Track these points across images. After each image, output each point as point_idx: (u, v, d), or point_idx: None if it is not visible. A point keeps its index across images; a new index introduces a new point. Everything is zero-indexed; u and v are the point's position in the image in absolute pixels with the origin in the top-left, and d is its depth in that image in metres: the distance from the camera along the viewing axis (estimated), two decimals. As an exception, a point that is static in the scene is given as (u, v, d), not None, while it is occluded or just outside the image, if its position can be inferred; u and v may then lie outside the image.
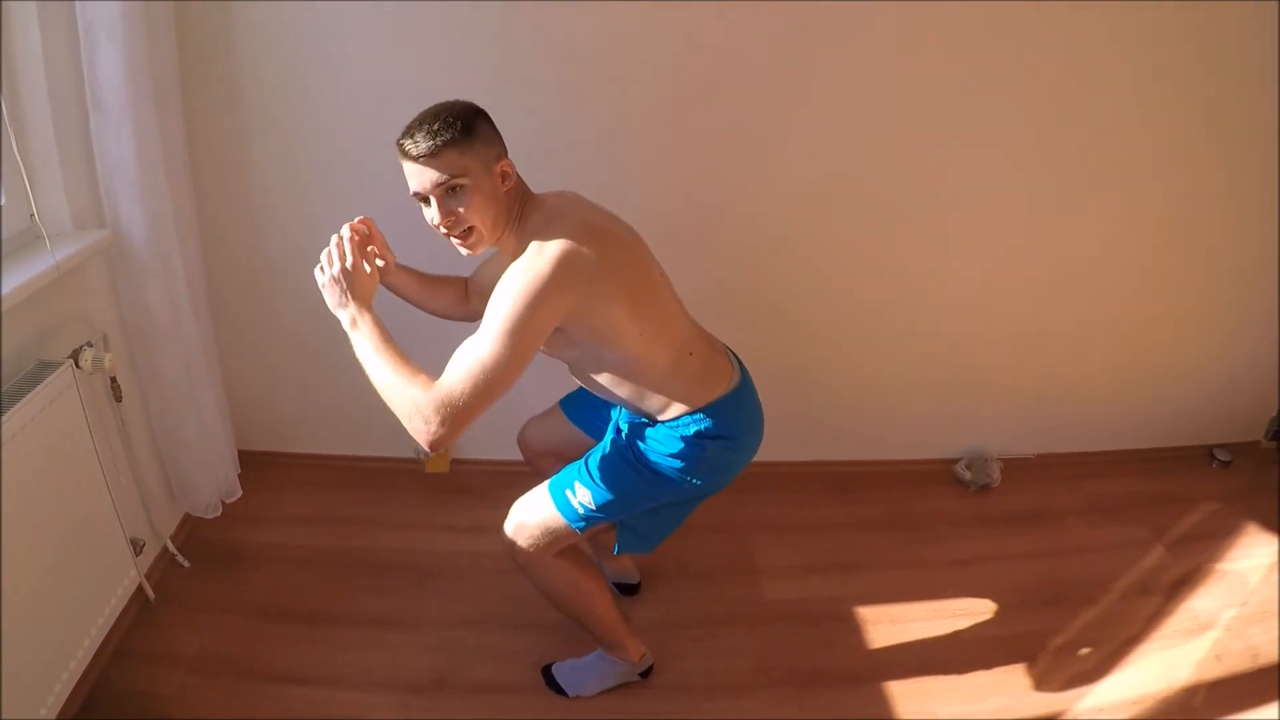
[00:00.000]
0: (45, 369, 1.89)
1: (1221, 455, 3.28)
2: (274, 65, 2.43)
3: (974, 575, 2.67)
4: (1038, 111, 2.63)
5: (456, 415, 1.54)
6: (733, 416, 1.87)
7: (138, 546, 2.29)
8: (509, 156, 1.69)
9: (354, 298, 1.70)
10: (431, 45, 2.41)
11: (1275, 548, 2.80)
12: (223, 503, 2.76)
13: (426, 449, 1.59)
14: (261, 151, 2.55)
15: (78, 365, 2.01)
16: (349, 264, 1.70)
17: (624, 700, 2.20)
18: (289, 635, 2.35)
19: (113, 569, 2.18)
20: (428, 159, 1.59)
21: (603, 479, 1.86)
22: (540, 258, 1.57)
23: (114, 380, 2.22)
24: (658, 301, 1.78)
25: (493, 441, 2.99)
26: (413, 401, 1.55)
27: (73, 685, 1.96)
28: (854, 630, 2.46)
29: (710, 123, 2.56)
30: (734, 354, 2.01)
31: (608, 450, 1.91)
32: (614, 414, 2.06)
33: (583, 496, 1.86)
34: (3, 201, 1.95)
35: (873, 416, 3.17)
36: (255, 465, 2.96)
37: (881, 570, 2.70)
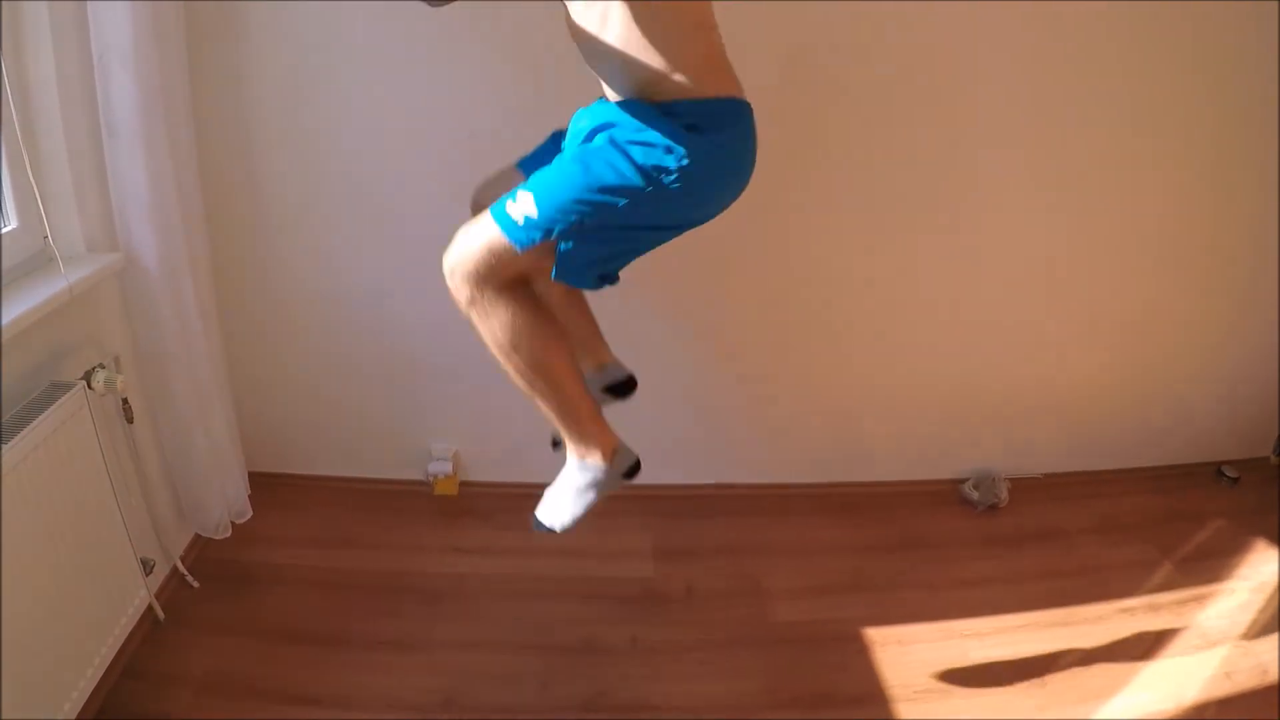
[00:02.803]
0: (58, 390, 1.91)
1: (1229, 472, 3.27)
2: (285, 89, 2.46)
3: (982, 596, 2.66)
4: (1044, 133, 2.65)
5: None
6: (734, 124, 1.62)
7: (148, 566, 2.30)
8: None
9: None
10: (441, 68, 2.44)
11: (1284, 565, 2.79)
12: (232, 523, 2.77)
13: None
14: (273, 176, 2.58)
15: (90, 387, 2.03)
16: None
17: (631, 721, 2.20)
18: (297, 656, 2.35)
19: (123, 589, 2.19)
20: None
21: (550, 180, 1.58)
22: None
23: (125, 402, 2.24)
24: None
25: (500, 465, 3.02)
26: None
27: (82, 704, 1.97)
28: (862, 652, 2.45)
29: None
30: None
31: (563, 156, 1.65)
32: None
33: (524, 203, 1.56)
34: (16, 224, 1.99)
35: (879, 437, 3.17)
36: (265, 486, 2.97)
37: (889, 591, 2.69)
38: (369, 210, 2.62)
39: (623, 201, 1.54)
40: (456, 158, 2.51)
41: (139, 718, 2.12)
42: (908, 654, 2.44)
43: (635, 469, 1.89)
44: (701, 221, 1.69)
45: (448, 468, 3.02)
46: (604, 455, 1.84)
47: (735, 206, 2.67)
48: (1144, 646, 2.45)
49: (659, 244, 1.70)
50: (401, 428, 3.02)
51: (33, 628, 1.77)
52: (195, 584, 2.55)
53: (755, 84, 2.47)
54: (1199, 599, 2.64)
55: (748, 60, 2.45)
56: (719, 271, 2.73)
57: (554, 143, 1.84)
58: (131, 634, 2.24)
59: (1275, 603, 2.61)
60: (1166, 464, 3.33)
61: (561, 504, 1.88)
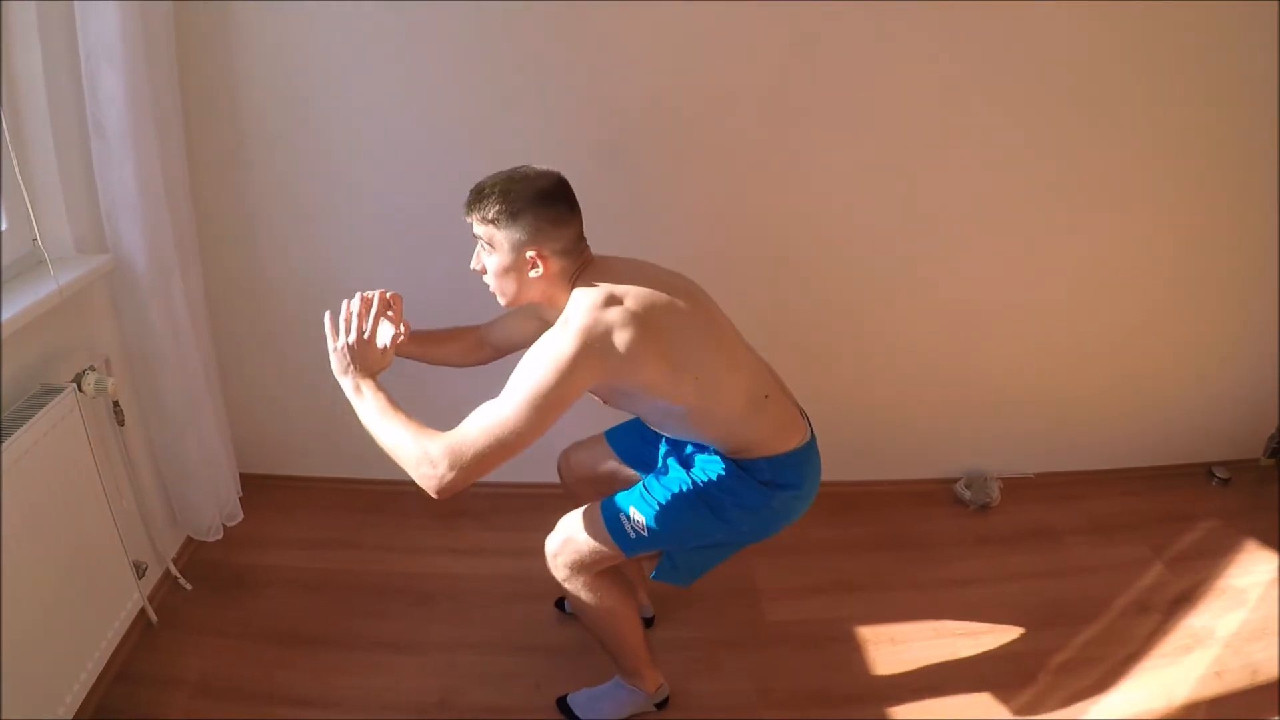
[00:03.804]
0: (48, 393, 1.90)
1: (1220, 473, 3.28)
2: (275, 89, 2.45)
3: (974, 595, 2.67)
4: (1040, 138, 2.65)
5: (466, 465, 1.55)
6: (804, 470, 1.92)
7: (140, 569, 2.30)
8: (565, 244, 1.70)
9: (360, 369, 1.73)
10: (433, 73, 2.43)
11: (1275, 565, 2.80)
12: (224, 526, 2.76)
13: (433, 495, 1.59)
14: (262, 176, 2.57)
15: (80, 389, 2.02)
16: (365, 336, 1.75)
17: (627, 722, 2.20)
18: (291, 658, 2.35)
19: (115, 592, 2.19)
20: (466, 212, 1.70)
21: (662, 509, 1.87)
22: (565, 331, 1.61)
23: (116, 404, 2.23)
24: (720, 352, 1.82)
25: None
26: (422, 449, 1.57)
27: (76, 708, 1.97)
28: (855, 651, 2.46)
29: (711, 146, 2.58)
30: (799, 406, 2.05)
31: (670, 481, 1.92)
32: (672, 445, 2.08)
33: (637, 522, 1.87)
34: (4, 226, 1.97)
35: (872, 436, 3.17)
36: (257, 488, 2.96)
37: (881, 591, 2.70)
38: (361, 209, 2.61)
39: (721, 534, 1.91)
40: (451, 157, 2.51)
41: (133, 721, 2.12)
42: (901, 653, 2.45)
43: (665, 703, 2.25)
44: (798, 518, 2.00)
45: (440, 468, 3.01)
46: (649, 688, 2.19)
47: (729, 211, 2.69)
48: (1135, 646, 2.46)
49: (743, 547, 2.03)
50: (394, 428, 3.00)
51: (26, 632, 1.76)
52: (188, 586, 2.55)
53: (761, 80, 2.50)
54: (1190, 599, 2.65)
55: (760, 78, 2.48)
56: (710, 272, 2.72)
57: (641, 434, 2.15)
58: (125, 637, 2.23)
59: (1266, 603, 2.62)
60: (1158, 465, 3.35)
61: (600, 708, 2.20)
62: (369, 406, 1.69)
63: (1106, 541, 2.95)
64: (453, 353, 2.12)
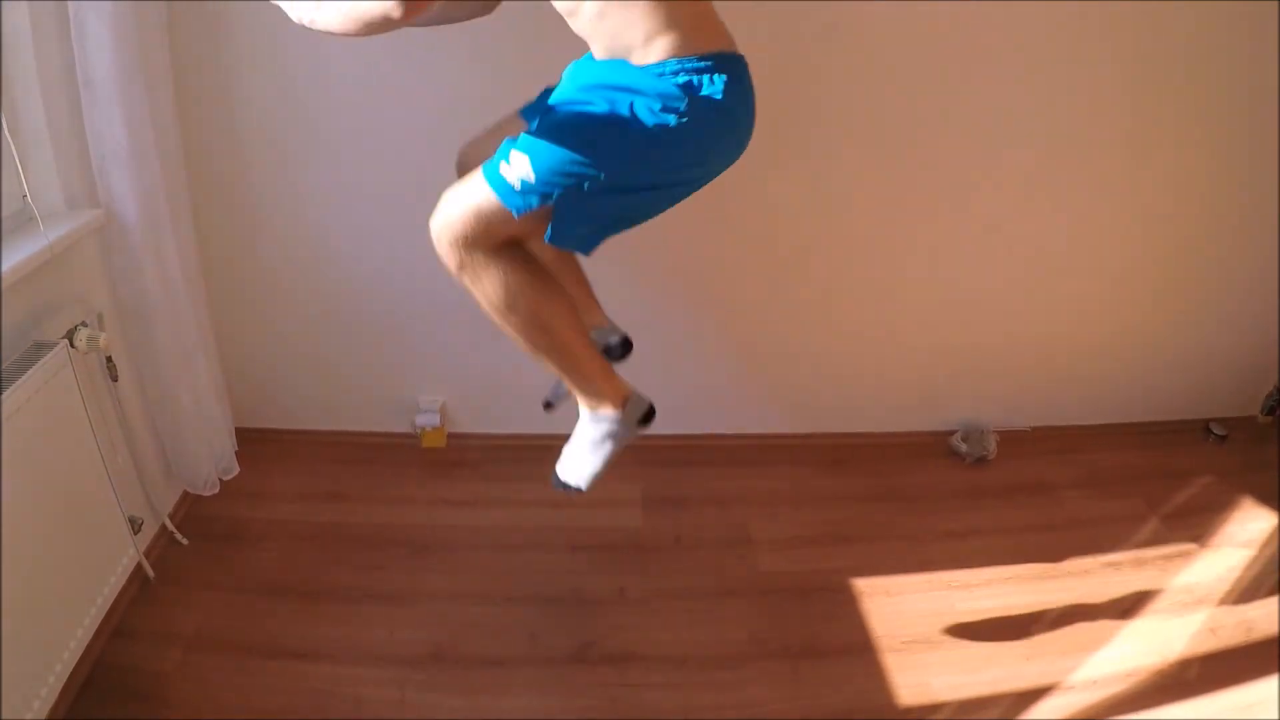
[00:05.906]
0: (40, 350, 1.89)
1: (1217, 430, 3.28)
2: (266, 39, 2.41)
3: (969, 547, 2.68)
4: (1036, 82, 2.62)
5: None
6: (731, 77, 1.51)
7: (136, 525, 2.30)
8: None
9: None
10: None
11: (1270, 522, 2.81)
12: (220, 480, 2.76)
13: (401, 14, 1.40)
14: (253, 127, 2.54)
15: (73, 345, 2.00)
16: None
17: (621, 673, 2.21)
18: (287, 611, 2.37)
19: (111, 548, 2.20)
20: None
21: (546, 139, 1.50)
22: None
23: (109, 360, 2.23)
24: None
25: (488, 416, 3.02)
26: None
27: (74, 664, 1.98)
28: (849, 602, 2.47)
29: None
30: None
31: (559, 103, 1.56)
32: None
33: (519, 165, 1.49)
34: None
35: (868, 388, 3.17)
36: (252, 442, 2.96)
37: (876, 542, 2.71)
38: (352, 162, 2.58)
39: (624, 158, 1.49)
40: (441, 109, 2.48)
41: (131, 676, 2.13)
42: (895, 604, 2.47)
43: (650, 416, 1.84)
44: (700, 183, 1.63)
45: (435, 420, 3.01)
46: (615, 404, 1.78)
47: (731, 168, 2.64)
48: (1130, 601, 2.48)
49: (658, 211, 1.62)
50: (388, 380, 3.01)
51: (22, 589, 1.77)
52: (184, 541, 2.56)
53: (762, 48, 2.45)
54: (1185, 555, 2.67)
55: (747, 28, 2.43)
56: (708, 222, 2.70)
57: (548, 96, 1.69)
58: (121, 593, 2.24)
59: (1261, 560, 2.64)
60: (1155, 420, 3.34)
61: (580, 460, 1.83)
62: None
63: (1102, 496, 2.96)
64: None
